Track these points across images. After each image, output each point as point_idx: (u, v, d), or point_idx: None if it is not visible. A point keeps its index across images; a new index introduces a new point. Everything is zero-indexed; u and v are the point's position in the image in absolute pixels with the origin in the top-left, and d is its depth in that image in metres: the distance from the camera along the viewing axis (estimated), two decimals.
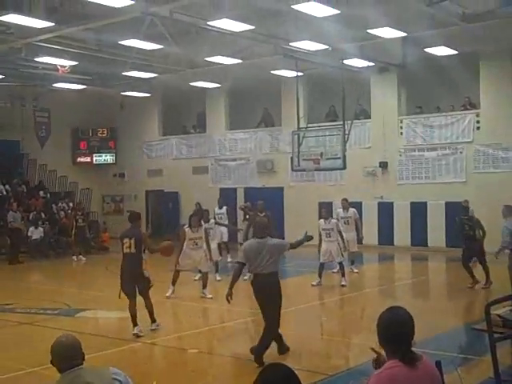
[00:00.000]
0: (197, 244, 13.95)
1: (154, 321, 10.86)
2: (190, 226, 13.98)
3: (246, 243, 9.24)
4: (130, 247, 10.52)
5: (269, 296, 8.71)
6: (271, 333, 8.71)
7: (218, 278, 16.26)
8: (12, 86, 24.81)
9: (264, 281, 8.63)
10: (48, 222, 24.66)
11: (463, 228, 14.51)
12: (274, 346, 9.23)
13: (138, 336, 10.37)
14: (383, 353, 3.84)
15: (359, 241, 17.21)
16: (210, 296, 13.85)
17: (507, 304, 5.44)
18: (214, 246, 16.57)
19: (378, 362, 3.98)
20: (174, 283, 13.89)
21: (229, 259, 18.52)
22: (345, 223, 16.40)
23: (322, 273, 15.21)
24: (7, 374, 8.43)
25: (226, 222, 19.17)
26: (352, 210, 17.03)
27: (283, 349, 8.98)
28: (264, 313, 8.84)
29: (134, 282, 10.53)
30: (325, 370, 8.29)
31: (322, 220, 15.58)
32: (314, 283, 14.95)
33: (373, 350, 4.03)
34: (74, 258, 21.95)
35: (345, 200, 17.07)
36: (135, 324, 10.53)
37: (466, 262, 14.33)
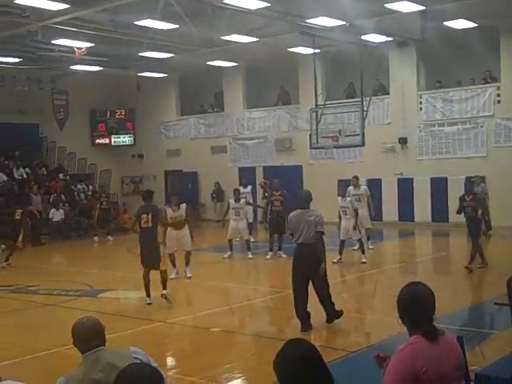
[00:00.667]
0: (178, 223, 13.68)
1: (165, 288, 11.34)
2: (170, 205, 13.86)
3: (290, 214, 9.46)
4: (147, 222, 11.24)
5: (307, 266, 8.93)
6: (327, 291, 9.16)
7: (250, 256, 16.40)
8: (29, 69, 24.86)
9: (303, 250, 8.95)
10: (68, 204, 24.88)
11: (465, 211, 13.95)
12: (297, 323, 9.27)
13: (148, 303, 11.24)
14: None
15: (371, 217, 17.06)
16: (190, 275, 13.85)
17: None
18: (243, 225, 16.65)
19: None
20: (174, 265, 13.81)
21: (251, 239, 18.56)
22: (356, 200, 16.28)
23: (343, 250, 15.21)
24: (33, 353, 8.57)
25: (251, 201, 19.10)
26: (363, 188, 16.95)
27: (307, 327, 9.03)
28: (296, 280, 9.10)
29: (151, 255, 11.23)
30: (346, 346, 8.31)
31: (339, 197, 15.62)
32: (335, 260, 14.94)
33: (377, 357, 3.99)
34: (96, 238, 22.42)
35: (355, 177, 16.94)
36: (148, 295, 11.30)
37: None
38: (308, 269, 8.97)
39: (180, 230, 13.71)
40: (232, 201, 16.88)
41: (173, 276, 13.45)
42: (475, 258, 13.56)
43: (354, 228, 15.21)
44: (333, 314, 9.31)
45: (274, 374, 3.02)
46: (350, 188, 16.79)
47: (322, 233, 9.11)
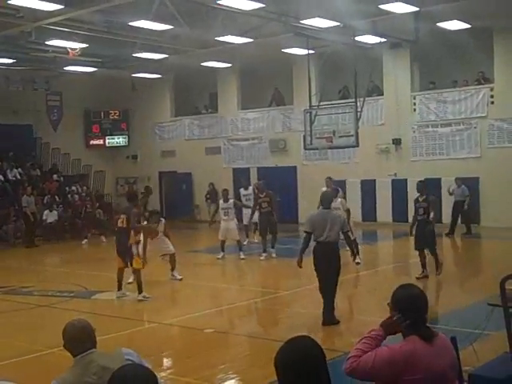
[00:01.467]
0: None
1: (140, 291, 11.75)
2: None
3: (311, 213, 10.02)
4: (122, 222, 11.76)
5: (329, 263, 9.37)
6: (331, 295, 9.53)
7: (242, 257, 16.41)
8: (23, 70, 24.80)
9: (325, 248, 9.33)
10: (62, 206, 24.82)
11: (418, 212, 13.13)
12: (290, 323, 9.27)
13: (117, 297, 12.04)
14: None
15: None
16: (180, 277, 13.71)
17: None
18: (233, 226, 16.59)
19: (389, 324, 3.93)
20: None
21: (245, 242, 18.47)
22: None
23: None
24: (26, 355, 8.54)
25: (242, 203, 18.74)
26: (334, 189, 16.61)
27: (329, 319, 9.42)
28: (322, 279, 9.49)
29: (124, 254, 11.74)
30: (340, 347, 8.30)
31: None
32: None
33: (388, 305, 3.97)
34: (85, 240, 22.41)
35: (329, 178, 16.71)
36: (119, 289, 11.99)
37: (422, 248, 13.00)
38: (330, 265, 9.40)
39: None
40: (221, 201, 16.91)
41: (131, 280, 13.06)
42: (440, 264, 12.88)
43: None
44: (330, 316, 9.47)
45: (268, 375, 3.02)
46: (323, 189, 16.28)
47: (348, 231, 9.96)
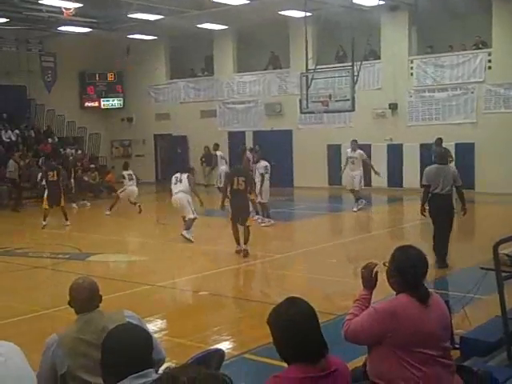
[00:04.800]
0: None
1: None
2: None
3: (427, 168, 10.79)
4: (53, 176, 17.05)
5: (443, 213, 10.34)
6: (444, 241, 10.48)
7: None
8: (17, 29, 24.51)
9: (440, 200, 10.27)
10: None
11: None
12: (286, 288, 9.31)
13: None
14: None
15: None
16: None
17: None
18: None
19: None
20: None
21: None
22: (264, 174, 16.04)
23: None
24: (21, 315, 8.58)
25: None
26: (262, 164, 16.45)
27: (441, 264, 10.29)
28: (436, 227, 10.52)
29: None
30: (334, 310, 8.36)
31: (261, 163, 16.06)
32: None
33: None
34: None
35: (257, 149, 16.65)
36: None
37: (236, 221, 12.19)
38: (443, 214, 10.36)
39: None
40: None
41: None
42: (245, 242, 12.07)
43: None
44: (443, 260, 10.41)
45: (262, 337, 3.05)
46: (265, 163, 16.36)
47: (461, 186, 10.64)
